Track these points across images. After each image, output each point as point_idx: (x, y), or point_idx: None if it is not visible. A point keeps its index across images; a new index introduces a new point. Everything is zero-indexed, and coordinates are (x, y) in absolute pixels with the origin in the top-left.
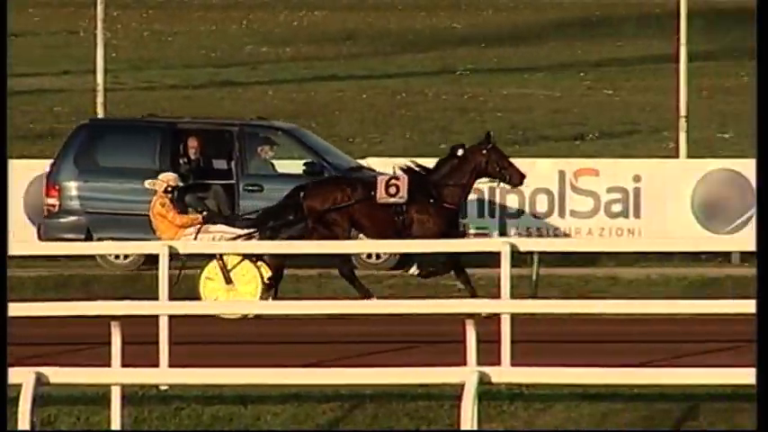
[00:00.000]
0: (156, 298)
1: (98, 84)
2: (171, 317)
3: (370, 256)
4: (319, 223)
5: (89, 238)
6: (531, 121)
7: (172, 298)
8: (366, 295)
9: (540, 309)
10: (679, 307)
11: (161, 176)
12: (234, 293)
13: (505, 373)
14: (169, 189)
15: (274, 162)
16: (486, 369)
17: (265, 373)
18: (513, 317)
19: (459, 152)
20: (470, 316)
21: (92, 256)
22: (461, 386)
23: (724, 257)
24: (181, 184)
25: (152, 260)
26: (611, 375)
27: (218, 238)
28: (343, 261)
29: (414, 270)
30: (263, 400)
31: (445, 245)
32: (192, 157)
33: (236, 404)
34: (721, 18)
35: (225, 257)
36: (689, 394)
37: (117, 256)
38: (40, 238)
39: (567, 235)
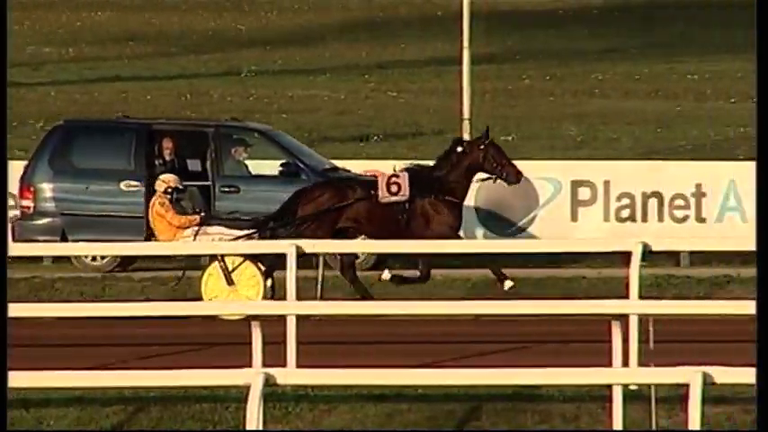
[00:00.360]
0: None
1: None
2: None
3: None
4: (317, 225)
5: (64, 240)
6: (317, 122)
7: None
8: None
9: (324, 310)
10: (456, 308)
11: (162, 177)
12: (235, 295)
13: (291, 375)
14: (169, 190)
15: (248, 163)
16: (272, 371)
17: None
18: (299, 318)
19: (459, 148)
20: (255, 318)
21: (67, 257)
22: (247, 388)
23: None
24: (180, 186)
25: (128, 262)
26: (395, 376)
27: (217, 240)
28: (347, 263)
29: (386, 275)
30: (46, 403)
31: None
32: (167, 158)
33: (17, 408)
34: (503, 21)
35: (226, 258)
36: (472, 395)
37: (94, 258)
38: (14, 239)
39: None
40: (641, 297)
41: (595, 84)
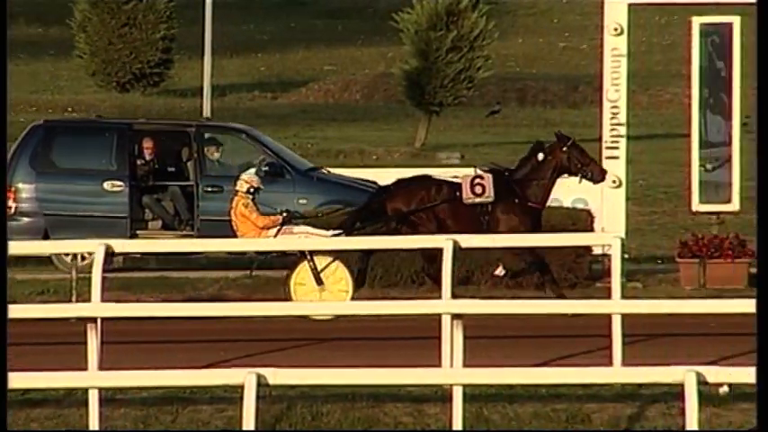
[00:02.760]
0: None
1: None
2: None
3: None
4: (404, 224)
5: (46, 239)
6: None
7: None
8: None
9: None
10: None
11: (243, 177)
12: (325, 294)
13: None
14: (251, 190)
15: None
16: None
17: None
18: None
19: (540, 156)
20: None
21: (48, 258)
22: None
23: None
24: (262, 186)
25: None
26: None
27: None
28: (428, 261)
29: (500, 271)
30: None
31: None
32: (148, 158)
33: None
34: None
35: (315, 259)
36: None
37: (74, 258)
38: None
39: None
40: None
41: None
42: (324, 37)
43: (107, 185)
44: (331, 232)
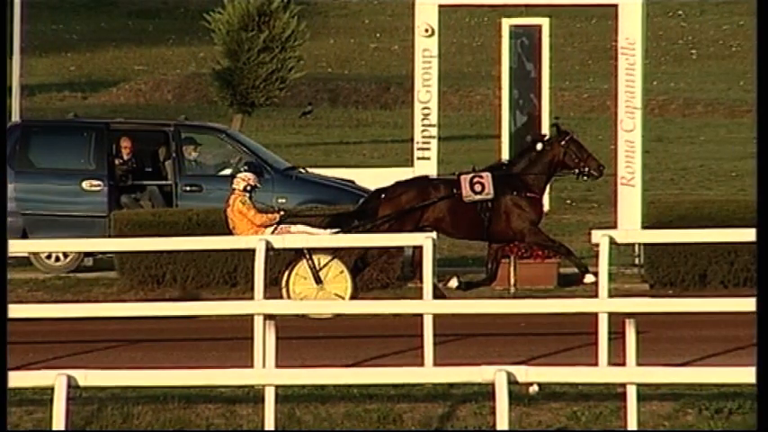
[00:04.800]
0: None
1: None
2: None
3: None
4: (395, 223)
5: (25, 239)
6: None
7: None
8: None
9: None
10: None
11: (240, 175)
12: (323, 293)
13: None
14: (248, 188)
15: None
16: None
17: None
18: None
19: (539, 146)
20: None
21: (26, 257)
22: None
23: None
24: (259, 185)
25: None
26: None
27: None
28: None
29: (453, 282)
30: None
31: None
32: (126, 157)
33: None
34: None
35: (314, 257)
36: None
37: (57, 258)
38: None
39: None
40: None
41: None
42: (134, 37)
43: (86, 185)
44: (329, 231)
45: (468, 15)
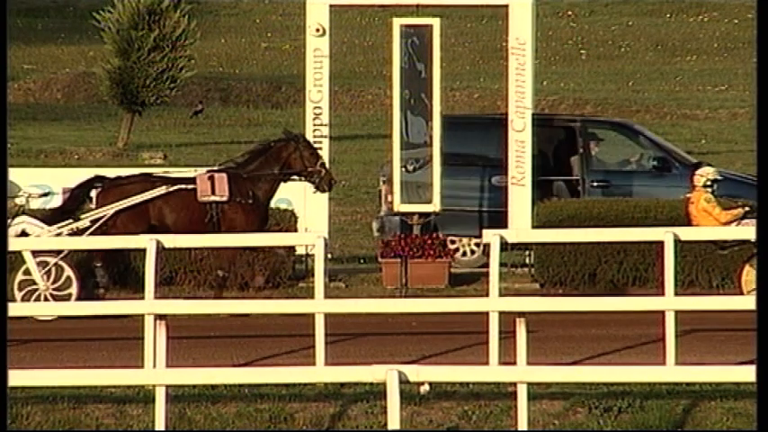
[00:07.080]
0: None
1: None
2: None
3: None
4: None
5: None
6: None
7: None
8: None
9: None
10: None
11: (699, 171)
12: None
13: None
14: (708, 183)
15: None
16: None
17: None
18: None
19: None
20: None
21: None
22: None
23: None
24: (719, 178)
25: None
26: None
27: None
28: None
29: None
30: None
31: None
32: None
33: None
34: None
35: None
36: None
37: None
38: None
39: None
40: None
41: None
42: (23, 35)
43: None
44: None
45: (359, 15)
